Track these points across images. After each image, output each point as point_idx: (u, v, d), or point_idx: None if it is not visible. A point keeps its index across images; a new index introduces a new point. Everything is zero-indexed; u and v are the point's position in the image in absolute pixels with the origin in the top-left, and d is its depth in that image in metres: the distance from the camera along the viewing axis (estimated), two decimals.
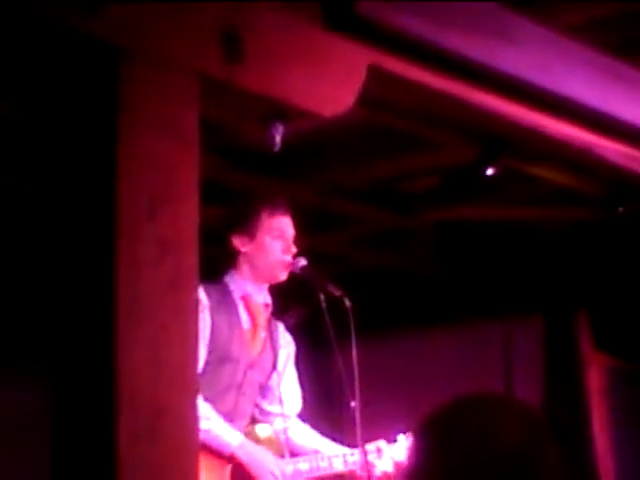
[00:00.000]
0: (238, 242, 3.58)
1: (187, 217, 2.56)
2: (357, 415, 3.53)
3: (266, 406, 3.72)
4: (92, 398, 2.38)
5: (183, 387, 2.49)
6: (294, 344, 3.80)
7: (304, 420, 3.81)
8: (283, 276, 3.59)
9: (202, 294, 3.34)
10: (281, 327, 3.77)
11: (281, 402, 3.67)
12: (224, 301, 3.55)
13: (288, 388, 3.74)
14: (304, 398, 3.84)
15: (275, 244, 3.56)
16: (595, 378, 6.27)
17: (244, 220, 3.60)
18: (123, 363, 2.37)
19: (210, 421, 3.32)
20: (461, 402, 1.75)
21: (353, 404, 3.52)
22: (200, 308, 3.19)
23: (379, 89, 3.14)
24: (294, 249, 3.61)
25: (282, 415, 3.68)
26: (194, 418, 2.50)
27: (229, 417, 3.47)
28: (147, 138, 2.48)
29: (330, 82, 2.91)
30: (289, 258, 3.58)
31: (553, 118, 3.58)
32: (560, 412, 6.27)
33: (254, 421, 3.67)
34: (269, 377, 3.69)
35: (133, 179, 2.45)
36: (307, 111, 2.90)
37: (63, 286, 2.49)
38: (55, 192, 2.53)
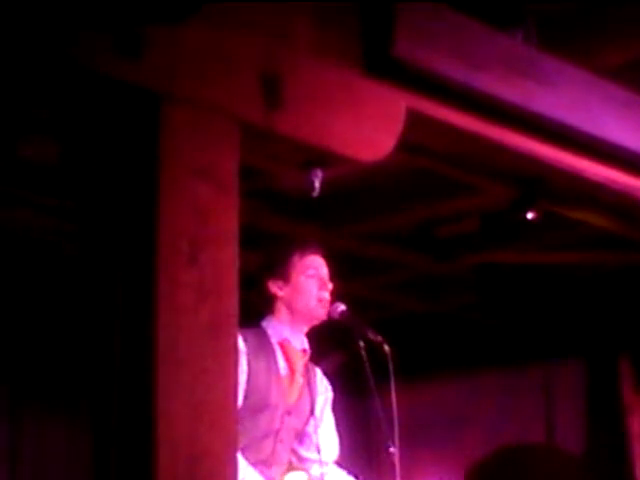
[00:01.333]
0: (274, 287, 3.58)
1: (226, 262, 2.58)
2: (396, 461, 3.49)
3: (303, 452, 3.70)
4: (132, 442, 2.38)
5: (222, 431, 2.48)
6: (332, 390, 3.78)
7: (341, 467, 3.78)
8: (322, 314, 3.58)
9: (239, 340, 3.34)
10: (319, 373, 3.75)
11: (318, 448, 3.65)
12: (261, 347, 3.55)
13: (325, 434, 3.71)
14: (343, 444, 3.81)
15: (310, 283, 3.57)
16: (637, 422, 6.19)
17: (277, 265, 3.61)
18: (162, 407, 2.38)
19: (240, 472, 3.32)
20: (506, 451, 1.72)
21: (392, 450, 3.49)
22: None
23: (417, 133, 3.15)
24: (330, 285, 3.61)
25: (319, 462, 3.65)
26: (233, 462, 2.50)
27: (266, 464, 3.46)
28: (187, 183, 2.50)
29: (369, 127, 2.93)
30: (326, 294, 3.58)
31: (591, 160, 3.57)
32: (602, 457, 6.19)
33: (291, 468, 3.65)
34: (306, 423, 3.67)
35: (174, 224, 2.47)
36: (346, 156, 2.91)
37: (105, 330, 2.51)
38: (97, 237, 2.56)
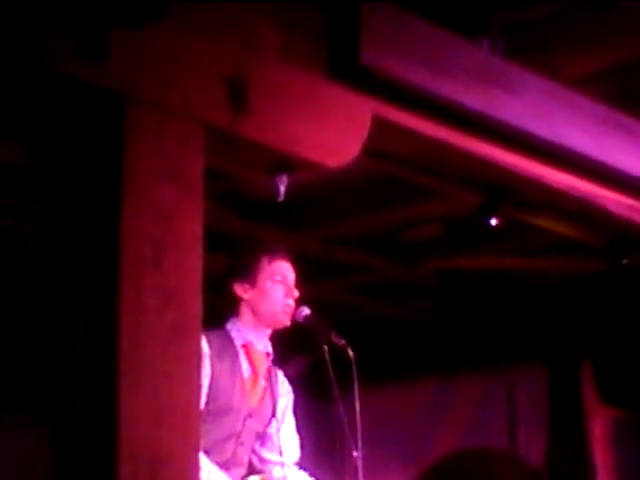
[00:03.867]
0: (240, 289, 3.58)
1: (191, 265, 2.58)
2: (359, 465, 3.51)
3: (265, 454, 3.71)
4: (93, 445, 2.38)
5: (185, 435, 2.48)
6: (293, 393, 3.79)
7: (303, 468, 3.80)
8: (286, 321, 3.59)
9: (203, 342, 3.34)
10: (280, 375, 3.76)
11: (280, 450, 3.67)
12: (225, 349, 3.55)
13: (287, 436, 3.73)
14: (306, 447, 3.82)
15: (277, 288, 3.57)
16: (599, 428, 6.25)
17: (244, 267, 3.61)
18: (124, 411, 2.37)
19: (207, 473, 3.32)
20: (462, 455, 1.74)
21: (355, 454, 3.51)
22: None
23: (382, 139, 3.17)
24: (296, 293, 3.61)
25: (281, 463, 3.67)
26: (195, 466, 2.50)
27: (226, 466, 3.46)
28: (152, 186, 2.50)
29: (335, 133, 2.95)
30: (291, 302, 3.58)
31: (553, 168, 3.61)
32: (564, 462, 6.24)
33: (252, 469, 3.66)
34: (267, 425, 3.68)
35: (137, 227, 2.47)
36: (312, 162, 2.93)
37: (67, 333, 2.50)
38: (60, 239, 2.55)
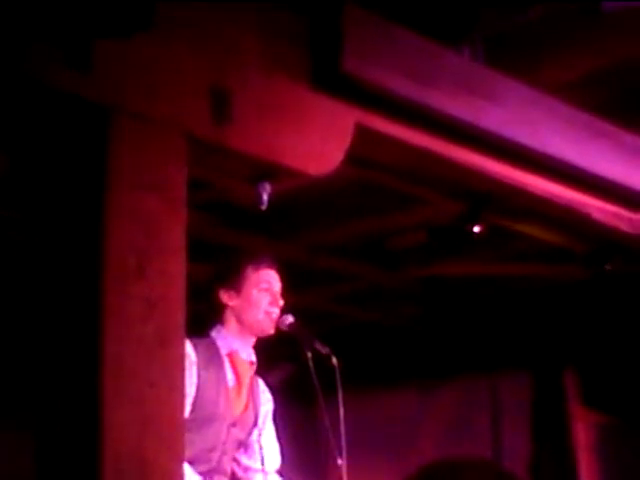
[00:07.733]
0: (225, 296, 3.58)
1: (174, 274, 2.59)
2: (344, 473, 3.52)
3: (246, 461, 3.71)
4: (77, 454, 2.38)
5: (170, 444, 2.49)
6: (272, 401, 3.80)
7: (284, 476, 3.80)
8: (271, 330, 3.59)
9: (190, 349, 3.35)
10: (261, 384, 3.77)
11: (262, 458, 3.67)
12: (211, 358, 3.55)
13: (268, 444, 3.74)
14: (290, 454, 3.83)
15: (262, 297, 3.57)
16: (583, 434, 6.27)
17: (230, 274, 3.61)
18: (109, 420, 2.38)
19: None
20: (444, 465, 1.74)
21: (340, 462, 3.51)
22: (187, 364, 3.18)
23: (366, 147, 3.18)
24: (281, 302, 3.62)
25: (262, 471, 3.67)
26: (180, 476, 2.50)
27: (209, 475, 3.47)
28: (135, 196, 2.51)
29: (318, 141, 2.96)
30: (276, 310, 3.59)
31: (537, 176, 3.63)
32: (548, 468, 6.26)
33: (234, 477, 3.67)
34: (249, 434, 3.69)
35: (121, 237, 2.48)
36: (295, 170, 2.94)
37: (50, 342, 2.50)
38: (44, 248, 2.56)
